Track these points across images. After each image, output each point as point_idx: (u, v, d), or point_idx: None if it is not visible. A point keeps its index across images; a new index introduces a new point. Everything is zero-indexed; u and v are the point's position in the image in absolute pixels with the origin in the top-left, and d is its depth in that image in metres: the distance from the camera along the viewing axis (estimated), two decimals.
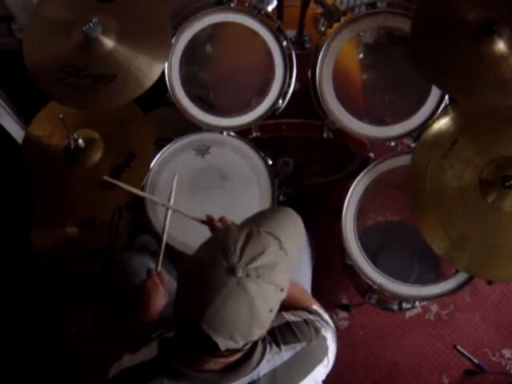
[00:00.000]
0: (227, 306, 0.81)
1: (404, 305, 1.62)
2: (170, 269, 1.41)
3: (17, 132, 1.98)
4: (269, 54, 1.53)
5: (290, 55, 1.53)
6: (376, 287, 1.50)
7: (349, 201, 1.55)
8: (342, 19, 1.56)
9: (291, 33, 1.65)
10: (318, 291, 1.56)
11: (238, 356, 0.93)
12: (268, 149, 1.63)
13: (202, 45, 1.71)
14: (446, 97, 1.47)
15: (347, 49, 1.61)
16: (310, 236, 1.63)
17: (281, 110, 1.55)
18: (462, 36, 1.28)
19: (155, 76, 1.34)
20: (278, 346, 1.00)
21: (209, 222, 1.21)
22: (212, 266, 0.83)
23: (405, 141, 1.59)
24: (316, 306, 1.16)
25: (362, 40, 1.69)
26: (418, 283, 1.52)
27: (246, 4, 1.57)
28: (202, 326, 0.81)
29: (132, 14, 1.35)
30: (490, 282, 1.76)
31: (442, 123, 1.42)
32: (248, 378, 0.96)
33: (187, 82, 1.57)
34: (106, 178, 1.38)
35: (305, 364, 1.03)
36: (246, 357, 0.95)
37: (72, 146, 1.42)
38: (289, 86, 1.52)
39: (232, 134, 1.59)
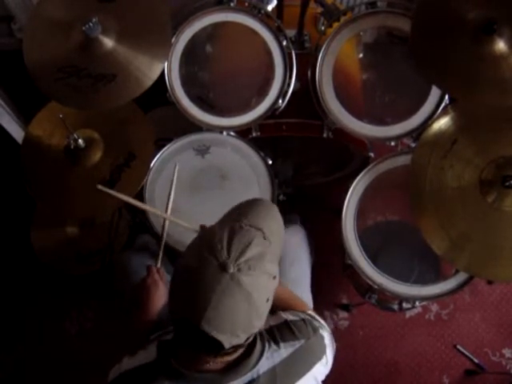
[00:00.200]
0: (225, 303, 0.81)
1: (404, 305, 1.62)
2: (170, 269, 1.41)
3: (17, 132, 1.98)
4: (269, 53, 1.53)
5: (290, 55, 1.53)
6: (376, 287, 1.50)
7: (349, 201, 1.55)
8: (342, 19, 1.56)
9: (291, 32, 1.65)
10: (318, 291, 1.56)
11: (239, 352, 0.93)
12: (268, 149, 1.63)
13: (202, 44, 1.71)
14: (446, 97, 1.47)
15: (347, 48, 1.61)
16: (308, 236, 1.63)
17: (281, 109, 1.55)
18: (462, 36, 1.27)
19: (155, 76, 1.33)
20: (277, 343, 1.01)
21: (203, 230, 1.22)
22: (202, 266, 0.83)
23: (405, 141, 1.59)
24: (310, 312, 1.17)
25: (362, 40, 1.69)
26: (418, 283, 1.52)
27: (246, 4, 1.57)
28: (203, 327, 0.81)
29: (132, 13, 1.35)
30: (490, 282, 1.76)
31: (442, 123, 1.42)
32: (248, 377, 0.96)
33: (187, 81, 1.57)
34: (100, 187, 1.38)
35: (304, 361, 1.03)
36: (245, 355, 0.95)
37: (72, 146, 1.42)
38: (289, 85, 1.52)
39: (232, 133, 1.59)
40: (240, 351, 0.93)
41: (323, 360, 1.06)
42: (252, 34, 1.54)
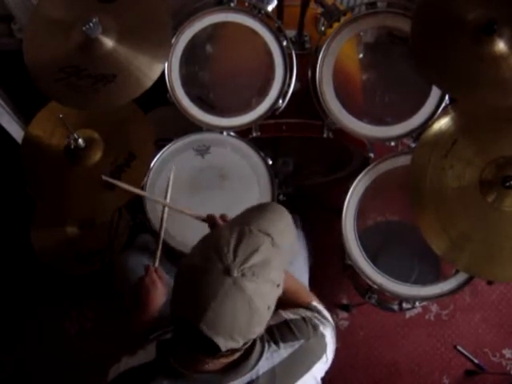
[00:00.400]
0: (225, 306, 0.81)
1: (404, 305, 1.62)
2: (169, 268, 1.41)
3: (17, 132, 1.98)
4: (269, 53, 1.53)
5: (290, 55, 1.53)
6: (376, 287, 1.50)
7: (349, 201, 1.55)
8: (342, 19, 1.56)
9: (291, 33, 1.65)
10: (318, 291, 1.55)
11: (237, 355, 0.93)
12: (268, 149, 1.63)
13: (202, 45, 1.71)
14: (446, 97, 1.47)
15: (347, 49, 1.61)
16: (306, 236, 1.63)
17: (281, 109, 1.55)
18: (462, 36, 1.27)
19: (155, 76, 1.33)
20: (277, 344, 1.01)
21: (210, 220, 1.21)
22: (207, 268, 0.83)
23: (405, 141, 1.59)
24: (315, 302, 1.16)
25: (362, 40, 1.69)
26: (418, 283, 1.52)
27: (246, 4, 1.57)
28: (201, 328, 0.81)
29: (132, 13, 1.35)
30: (490, 282, 1.75)
31: (442, 123, 1.42)
32: (247, 377, 0.96)
33: (187, 81, 1.57)
34: (104, 177, 1.38)
35: (303, 361, 1.03)
36: (245, 356, 0.95)
37: (72, 146, 1.42)
38: (289, 85, 1.52)
39: (232, 133, 1.59)
40: (238, 354, 0.93)
41: (323, 359, 1.06)
42: (252, 35, 1.54)
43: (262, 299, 0.84)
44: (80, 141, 1.41)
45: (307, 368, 1.03)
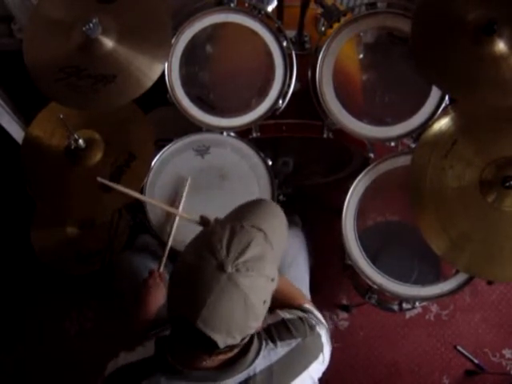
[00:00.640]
0: (221, 303, 0.81)
1: (404, 305, 1.62)
2: (170, 269, 1.41)
3: (17, 132, 1.98)
4: (269, 54, 1.53)
5: (290, 55, 1.53)
6: (376, 287, 1.50)
7: (349, 201, 1.55)
8: (342, 19, 1.56)
9: (291, 33, 1.65)
10: (318, 291, 1.56)
11: (235, 351, 0.94)
12: (268, 149, 1.63)
13: (202, 45, 1.71)
14: (446, 97, 1.47)
15: (347, 49, 1.61)
16: (307, 237, 1.64)
17: (281, 110, 1.55)
18: (462, 36, 1.28)
19: (155, 76, 1.33)
20: (274, 342, 1.01)
21: (204, 222, 1.22)
22: (201, 265, 0.83)
23: (405, 141, 1.59)
24: (308, 305, 1.17)
25: (362, 40, 1.69)
26: (418, 283, 1.52)
27: (246, 4, 1.57)
28: (198, 325, 0.81)
29: (132, 14, 1.35)
30: (490, 282, 1.75)
31: (442, 123, 1.42)
32: (244, 375, 0.96)
33: (187, 82, 1.57)
34: (99, 179, 1.38)
35: (300, 360, 1.03)
36: (242, 353, 0.96)
37: (72, 147, 1.42)
38: (289, 86, 1.52)
39: (232, 134, 1.59)
40: (235, 351, 0.93)
41: (320, 358, 1.06)
42: (252, 35, 1.54)
43: (257, 294, 0.84)
44: (80, 141, 1.41)
45: (304, 367, 1.03)
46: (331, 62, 1.52)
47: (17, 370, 2.06)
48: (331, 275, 2.00)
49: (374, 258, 1.54)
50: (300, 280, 1.50)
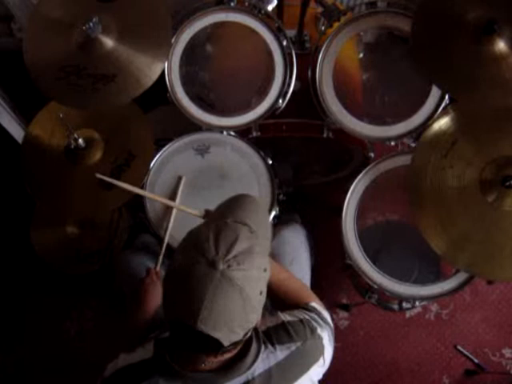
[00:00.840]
0: (218, 300, 0.81)
1: (404, 304, 1.62)
2: None
3: (17, 132, 1.98)
4: (269, 53, 1.53)
5: (290, 55, 1.53)
6: (376, 287, 1.50)
7: (349, 201, 1.55)
8: (342, 19, 1.56)
9: (291, 32, 1.65)
10: (318, 291, 1.55)
11: (239, 347, 0.93)
12: (268, 148, 1.63)
13: (202, 44, 1.71)
14: (446, 97, 1.47)
15: (347, 48, 1.61)
16: (308, 236, 1.63)
17: (281, 109, 1.55)
18: (463, 36, 1.28)
19: (155, 76, 1.34)
20: (273, 345, 1.01)
21: (208, 216, 1.22)
22: (192, 267, 0.83)
23: (405, 141, 1.59)
24: (315, 303, 1.16)
25: (363, 40, 1.69)
26: (418, 283, 1.52)
27: (246, 3, 1.57)
28: (199, 328, 0.81)
29: (132, 13, 1.36)
30: (490, 282, 1.76)
31: (442, 123, 1.42)
32: (243, 378, 0.96)
33: (187, 81, 1.57)
34: (98, 175, 1.38)
35: (300, 364, 1.03)
36: (241, 356, 0.95)
37: (72, 146, 1.42)
38: (289, 85, 1.52)
39: (232, 133, 1.59)
40: (239, 347, 0.93)
41: (320, 361, 1.05)
42: (252, 34, 1.54)
43: (251, 286, 0.85)
44: (80, 141, 1.41)
45: (304, 370, 1.03)
46: (331, 61, 1.52)
47: (17, 370, 2.06)
48: (331, 275, 2.00)
49: (374, 258, 1.54)
50: (301, 278, 1.49)
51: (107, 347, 1.10)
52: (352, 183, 1.55)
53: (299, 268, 1.51)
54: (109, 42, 1.31)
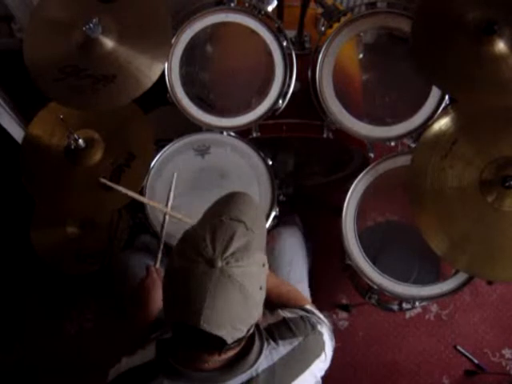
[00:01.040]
0: (219, 298, 0.82)
1: (404, 305, 1.62)
2: None
3: (17, 132, 1.98)
4: (269, 54, 1.53)
5: (290, 55, 1.53)
6: (376, 287, 1.50)
7: (349, 201, 1.55)
8: (342, 19, 1.56)
9: (291, 33, 1.65)
10: (318, 291, 1.56)
11: (242, 344, 0.93)
12: (268, 149, 1.63)
13: (202, 45, 1.71)
14: (446, 97, 1.47)
15: (347, 49, 1.61)
16: (306, 236, 1.64)
17: (281, 110, 1.55)
18: (463, 36, 1.28)
19: (155, 76, 1.34)
20: (276, 341, 1.01)
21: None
22: (191, 267, 0.83)
23: (405, 141, 1.59)
24: (309, 305, 1.17)
25: (362, 40, 1.69)
26: (418, 283, 1.52)
27: (246, 4, 1.57)
28: (202, 327, 0.81)
29: (132, 13, 1.36)
30: (490, 282, 1.76)
31: (442, 123, 1.42)
32: (247, 375, 0.96)
33: (187, 82, 1.57)
34: (102, 180, 1.38)
35: (303, 359, 1.03)
36: (244, 353, 0.96)
37: (72, 146, 1.42)
38: (289, 86, 1.52)
39: (232, 134, 1.59)
40: (242, 344, 0.93)
41: (322, 356, 1.06)
42: (252, 35, 1.54)
43: (251, 281, 0.85)
44: (80, 141, 1.41)
45: (306, 365, 1.03)
46: (331, 61, 1.52)
47: (16, 370, 2.06)
48: (331, 275, 2.00)
49: (373, 258, 1.54)
50: (299, 279, 1.50)
51: (107, 347, 1.10)
52: (352, 183, 1.55)
53: (297, 268, 1.51)
54: (109, 43, 1.31)
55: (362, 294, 1.71)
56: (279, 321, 1.06)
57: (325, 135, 1.60)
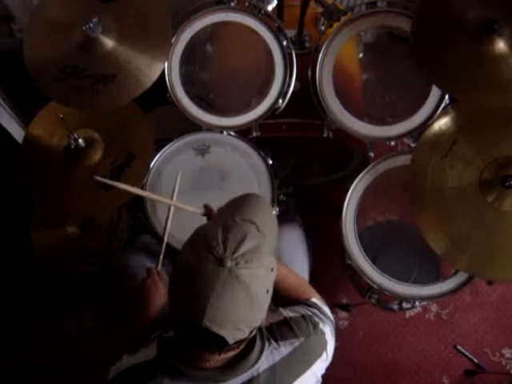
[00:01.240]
0: (225, 298, 0.82)
1: (404, 305, 1.62)
2: (169, 268, 1.41)
3: (17, 132, 1.98)
4: (269, 53, 1.53)
5: (290, 55, 1.53)
6: (376, 287, 1.50)
7: (349, 200, 1.55)
8: (342, 19, 1.56)
9: (291, 32, 1.65)
10: (317, 291, 1.55)
11: (243, 346, 0.93)
12: (268, 148, 1.63)
13: (202, 44, 1.71)
14: (446, 96, 1.47)
15: (347, 48, 1.61)
16: (306, 236, 1.64)
17: (281, 109, 1.55)
18: (463, 36, 1.28)
19: (155, 76, 1.34)
20: (277, 341, 1.01)
21: (206, 210, 1.23)
22: (200, 264, 0.84)
23: (405, 140, 1.59)
24: (315, 298, 1.16)
25: (362, 39, 1.69)
26: (418, 283, 1.52)
27: (246, 3, 1.57)
28: (205, 325, 0.81)
29: (132, 13, 1.35)
30: (490, 282, 1.76)
31: (442, 123, 1.42)
32: (248, 375, 0.96)
33: (187, 81, 1.57)
34: (97, 178, 1.37)
35: (304, 359, 1.03)
36: (245, 353, 0.96)
37: (72, 146, 1.42)
38: (289, 85, 1.52)
39: (232, 133, 1.59)
40: (243, 346, 0.93)
41: (323, 356, 1.06)
42: (252, 34, 1.54)
43: (258, 284, 0.85)
44: (80, 141, 1.41)
45: (307, 365, 1.03)
46: (331, 61, 1.52)
47: (16, 370, 2.06)
48: (331, 275, 2.00)
49: (374, 258, 1.54)
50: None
51: (107, 347, 1.10)
52: (352, 183, 1.55)
53: (298, 268, 1.51)
54: (109, 43, 1.31)
55: (362, 293, 1.71)
56: (281, 320, 1.06)
57: (325, 135, 1.60)
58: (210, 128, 1.56)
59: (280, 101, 1.52)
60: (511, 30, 1.26)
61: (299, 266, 1.53)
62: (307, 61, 1.54)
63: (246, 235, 0.87)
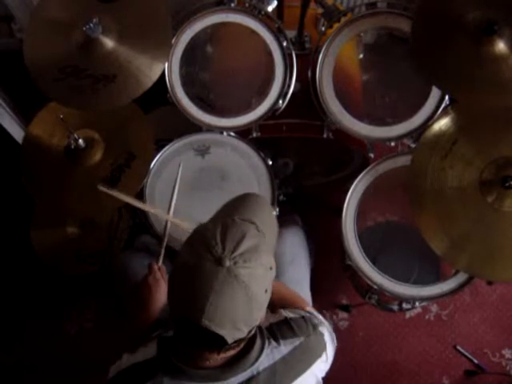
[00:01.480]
0: (224, 297, 0.82)
1: (404, 305, 1.62)
2: (169, 268, 1.41)
3: (17, 132, 1.98)
4: (269, 54, 1.53)
5: (290, 55, 1.53)
6: (376, 287, 1.50)
7: (349, 201, 1.55)
8: (342, 19, 1.56)
9: (291, 33, 1.65)
10: (318, 291, 1.56)
11: (242, 346, 0.94)
12: (268, 149, 1.63)
13: (203, 45, 1.71)
14: (446, 97, 1.47)
15: (347, 49, 1.61)
16: (308, 236, 1.64)
17: (281, 110, 1.55)
18: (463, 36, 1.28)
19: (155, 76, 1.34)
20: (277, 341, 1.02)
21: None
22: (199, 263, 0.84)
23: (405, 141, 1.59)
24: (309, 308, 1.18)
25: (362, 40, 1.69)
26: (418, 283, 1.52)
27: (247, 4, 1.57)
28: (204, 324, 0.81)
29: (132, 13, 1.36)
30: (490, 283, 1.76)
31: (443, 123, 1.42)
32: (248, 373, 0.96)
33: (187, 82, 1.57)
34: (101, 188, 1.38)
35: (304, 359, 1.04)
36: (245, 352, 0.96)
37: (72, 146, 1.42)
38: (289, 86, 1.52)
39: (232, 134, 1.59)
40: (242, 345, 0.94)
41: (323, 357, 1.06)
42: (252, 35, 1.54)
43: (257, 283, 0.85)
44: (80, 141, 1.41)
45: (307, 365, 1.04)
46: (331, 62, 1.52)
47: (17, 370, 2.06)
48: (331, 275, 2.00)
49: (374, 258, 1.54)
50: (301, 278, 1.50)
51: (107, 347, 1.10)
52: (352, 183, 1.55)
53: (299, 268, 1.51)
54: (109, 43, 1.31)
55: (362, 294, 1.71)
56: (281, 320, 1.06)
57: (325, 135, 1.60)
58: (210, 128, 1.56)
59: (280, 101, 1.52)
60: (511, 31, 1.26)
61: (300, 266, 1.54)
62: (307, 61, 1.54)
63: (244, 234, 0.87)
